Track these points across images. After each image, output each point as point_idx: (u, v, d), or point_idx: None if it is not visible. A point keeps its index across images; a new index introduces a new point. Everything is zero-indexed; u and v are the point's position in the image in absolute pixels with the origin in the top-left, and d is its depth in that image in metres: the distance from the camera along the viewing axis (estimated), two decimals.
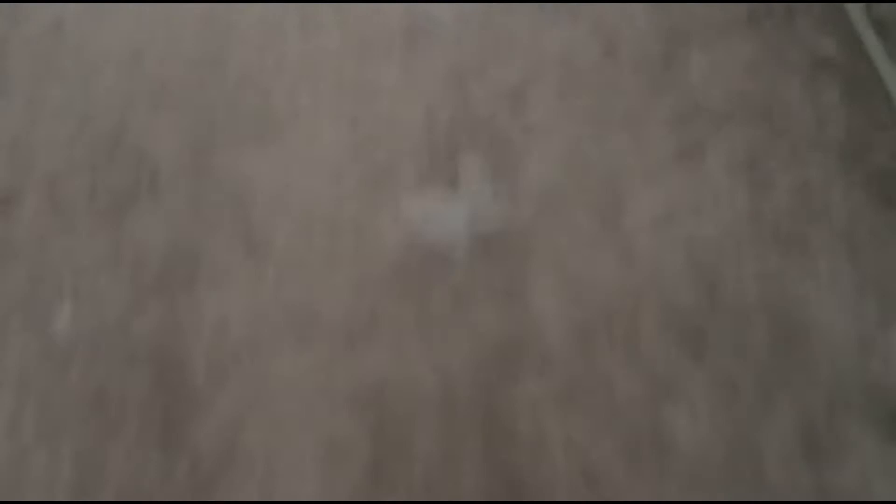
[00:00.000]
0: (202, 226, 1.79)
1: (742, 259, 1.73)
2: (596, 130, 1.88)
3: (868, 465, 1.49)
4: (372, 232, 1.77)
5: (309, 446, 1.54)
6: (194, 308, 1.68)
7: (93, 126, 1.90)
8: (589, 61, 1.98)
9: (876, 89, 1.96)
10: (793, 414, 1.55)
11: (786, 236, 1.76)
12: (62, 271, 1.72)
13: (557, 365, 1.61)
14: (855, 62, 1.99)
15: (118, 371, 1.61)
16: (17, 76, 1.97)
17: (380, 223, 1.78)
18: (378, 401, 1.59)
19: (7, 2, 2.02)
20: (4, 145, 1.89)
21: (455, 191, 1.80)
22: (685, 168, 1.83)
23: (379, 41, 2.04)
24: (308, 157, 1.86)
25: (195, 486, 1.49)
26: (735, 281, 1.71)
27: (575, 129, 1.88)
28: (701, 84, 1.94)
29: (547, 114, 1.90)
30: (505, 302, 1.69)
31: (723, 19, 2.04)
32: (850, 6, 2.08)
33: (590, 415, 1.55)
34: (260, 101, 1.93)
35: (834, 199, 1.82)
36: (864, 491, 1.47)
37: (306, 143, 1.88)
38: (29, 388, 1.61)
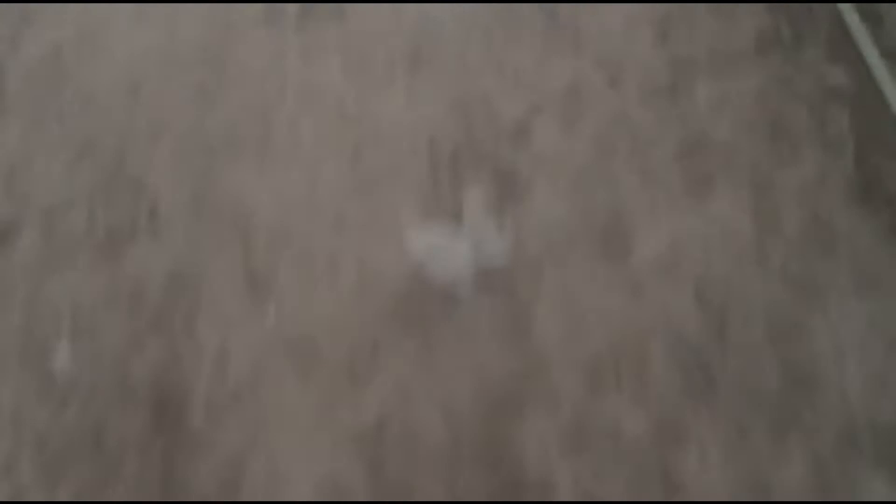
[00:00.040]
0: (202, 259, 1.76)
1: (750, 296, 1.70)
2: (602, 163, 1.85)
3: None
4: (375, 266, 1.74)
5: (310, 486, 1.51)
6: (194, 345, 1.66)
7: (91, 156, 1.88)
8: (594, 91, 1.95)
9: (886, 118, 1.93)
10: (803, 455, 1.52)
11: (795, 272, 1.73)
12: (60, 307, 1.69)
13: (564, 403, 1.58)
14: (864, 91, 1.97)
15: (117, 410, 1.59)
16: (14, 103, 1.95)
17: (383, 257, 1.75)
18: (380, 439, 1.56)
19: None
20: (2, 175, 1.86)
21: (459, 225, 1.78)
22: (692, 202, 1.81)
23: (381, 67, 2.01)
24: (310, 189, 1.83)
25: None
26: (743, 319, 1.68)
27: (580, 162, 1.86)
28: (708, 115, 1.92)
29: (552, 146, 1.87)
30: (510, 338, 1.66)
31: (730, 48, 2.02)
32: (858, 34, 2.06)
33: (596, 455, 1.53)
34: (261, 131, 1.91)
35: (843, 231, 1.79)
36: None
37: (308, 174, 1.85)
38: (26, 427, 1.58)
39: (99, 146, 1.89)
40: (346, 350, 1.65)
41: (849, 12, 2.15)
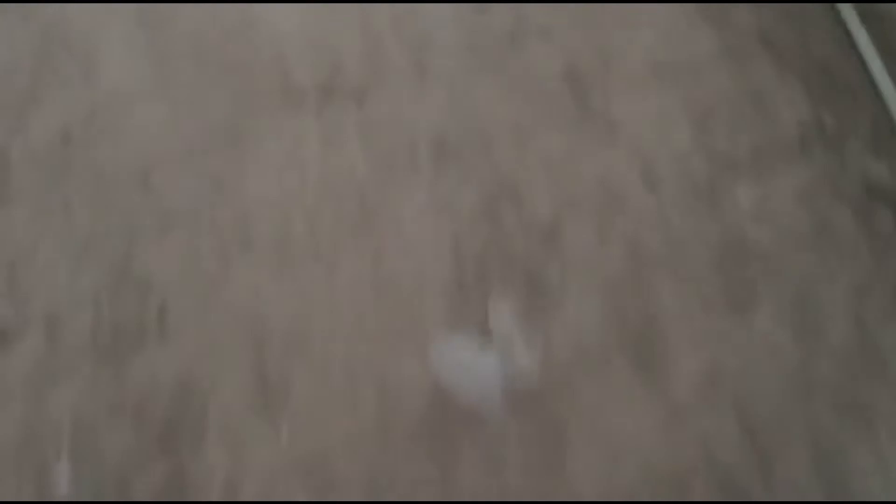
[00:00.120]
0: (212, 368, 1.66)
1: (794, 423, 1.60)
2: (636, 271, 1.75)
3: None
4: (395, 380, 1.64)
5: None
6: (202, 466, 1.55)
7: (97, 251, 1.78)
8: (629, 189, 1.85)
9: None
10: None
11: (841, 396, 1.63)
12: (61, 422, 1.59)
13: None
14: None
15: None
16: (19, 192, 1.85)
17: (404, 370, 1.65)
18: None
19: None
20: (3, 270, 1.76)
21: (486, 337, 1.68)
22: (732, 315, 1.70)
23: (405, 156, 1.91)
24: (328, 292, 1.73)
25: None
26: (788, 447, 1.58)
27: (614, 268, 1.76)
28: (749, 218, 1.81)
29: (583, 251, 1.77)
30: (539, 464, 1.56)
31: (771, 143, 1.92)
32: None
33: None
34: (277, 227, 1.81)
35: (892, 347, 1.69)
36: None
37: (326, 276, 1.75)
38: None
39: (106, 240, 1.79)
40: (363, 476, 1.55)
41: (893, 100, 2.05)
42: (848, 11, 2.21)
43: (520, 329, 1.68)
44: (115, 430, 1.59)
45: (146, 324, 1.70)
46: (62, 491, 1.52)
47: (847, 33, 2.14)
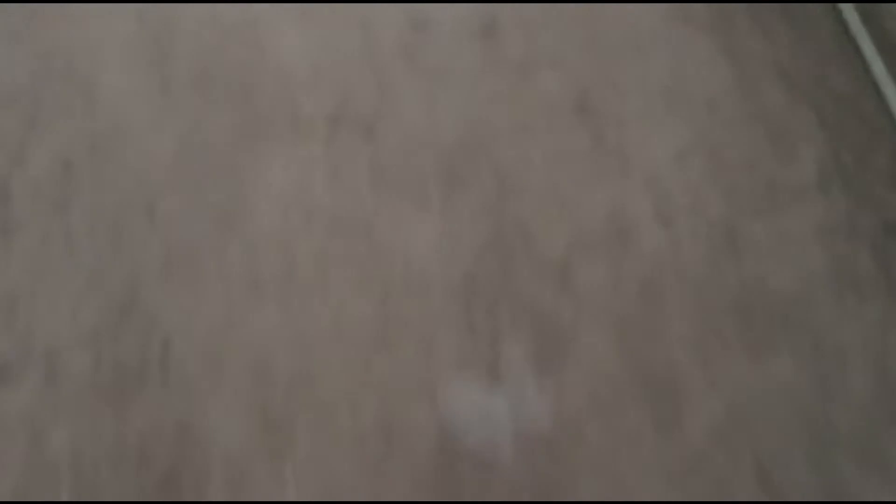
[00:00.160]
0: (216, 409, 1.62)
1: (812, 471, 1.56)
2: (651, 311, 1.71)
3: None
4: (403, 424, 1.60)
5: None
6: None
7: (100, 286, 1.74)
8: (643, 226, 1.81)
9: None
10: None
11: (860, 443, 1.59)
12: (60, 467, 1.55)
13: None
14: None
15: None
16: (19, 225, 1.81)
17: (412, 414, 1.61)
18: None
19: None
20: (3, 304, 1.72)
21: (496, 380, 1.64)
22: (750, 361, 1.66)
23: (414, 189, 1.87)
24: (335, 331, 1.69)
25: None
26: (805, 496, 1.54)
27: (627, 309, 1.72)
28: (766, 259, 1.77)
29: (596, 291, 1.73)
30: None
31: (788, 181, 1.88)
32: None
33: None
34: (284, 262, 1.77)
35: None
36: None
37: (333, 314, 1.71)
38: None
39: (109, 276, 1.75)
40: None
41: None
42: (864, 40, 2.17)
43: (531, 372, 1.64)
44: (115, 473, 1.55)
45: (149, 362, 1.66)
46: None
47: (864, 64, 2.11)
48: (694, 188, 1.86)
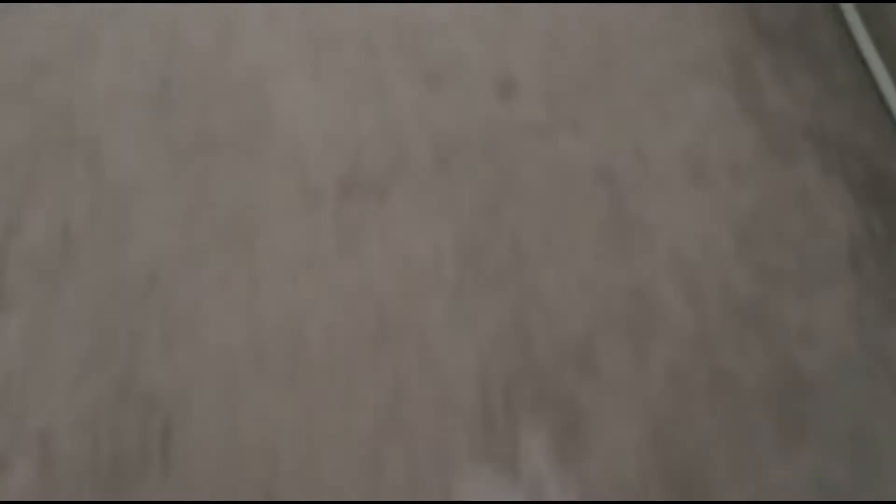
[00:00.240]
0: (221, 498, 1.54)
1: None
2: (677, 398, 1.63)
3: None
4: None
5: None
6: None
7: (98, 365, 1.66)
8: (667, 304, 1.73)
9: None
10: None
11: None
12: None
13: None
14: None
15: None
16: (14, 298, 1.73)
17: None
18: None
19: None
20: None
21: (515, 476, 1.55)
22: (782, 452, 1.58)
23: (427, 262, 1.79)
24: (343, 419, 1.61)
25: None
26: None
27: (653, 396, 1.63)
28: (798, 341, 1.69)
29: (620, 375, 1.65)
30: None
31: (819, 253, 1.80)
32: None
33: None
34: (291, 340, 1.68)
35: None
36: None
37: (342, 400, 1.63)
38: None
39: (108, 352, 1.67)
40: None
41: None
42: (890, 93, 2.09)
43: (552, 464, 1.56)
44: None
45: (149, 449, 1.57)
46: None
47: (894, 121, 2.03)
48: (721, 263, 1.78)
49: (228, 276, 1.76)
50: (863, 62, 2.12)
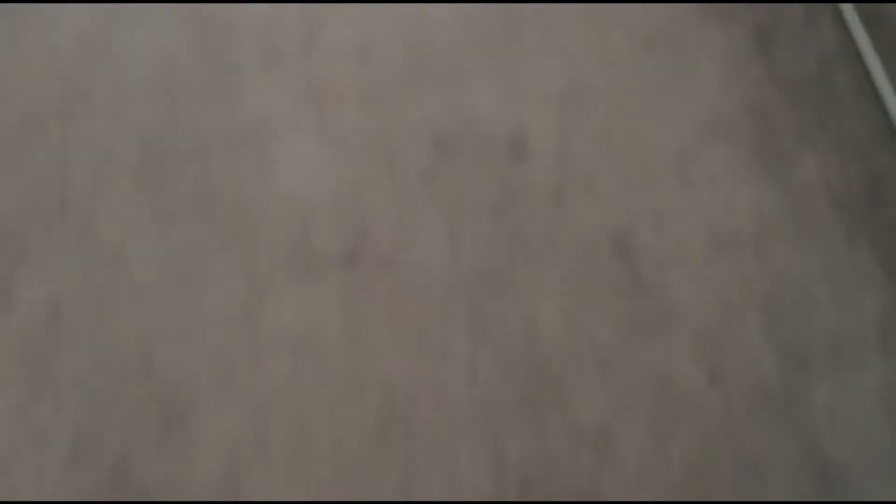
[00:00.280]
0: None
1: None
2: (699, 487, 1.55)
3: None
4: None
5: None
6: None
7: (90, 453, 1.57)
8: (689, 388, 1.65)
9: None
10: None
11: None
12: None
13: None
14: None
15: None
16: (1, 380, 1.63)
17: None
18: None
19: None
20: None
21: None
22: None
23: (436, 342, 1.71)
24: None
25: None
26: None
27: (675, 487, 1.55)
28: (825, 426, 1.61)
29: (640, 464, 1.57)
30: None
31: (847, 333, 1.72)
32: None
33: None
34: (294, 428, 1.60)
35: None
36: None
37: (348, 493, 1.54)
38: None
39: (100, 439, 1.58)
40: None
41: None
42: None
43: None
44: None
45: None
46: None
47: None
48: (745, 344, 1.70)
49: (228, 354, 1.68)
50: (884, 111, 2.05)
